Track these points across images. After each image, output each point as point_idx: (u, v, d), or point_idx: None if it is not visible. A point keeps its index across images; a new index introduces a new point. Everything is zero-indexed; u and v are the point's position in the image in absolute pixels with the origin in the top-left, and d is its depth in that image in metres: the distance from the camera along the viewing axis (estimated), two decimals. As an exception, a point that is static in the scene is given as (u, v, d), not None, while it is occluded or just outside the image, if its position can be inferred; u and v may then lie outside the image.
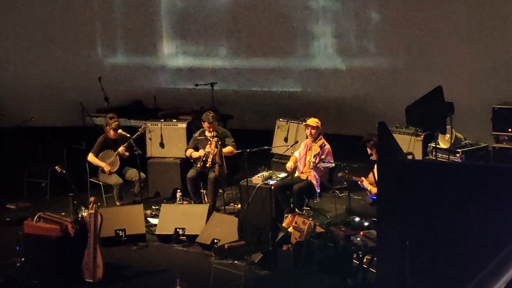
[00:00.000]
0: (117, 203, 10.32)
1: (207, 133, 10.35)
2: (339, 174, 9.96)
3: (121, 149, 10.42)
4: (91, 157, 10.45)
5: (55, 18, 14.96)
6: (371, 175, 9.79)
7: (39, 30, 15.02)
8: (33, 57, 15.13)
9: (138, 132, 10.65)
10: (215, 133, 10.27)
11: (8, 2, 15.09)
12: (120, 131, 10.53)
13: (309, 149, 9.82)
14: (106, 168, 10.39)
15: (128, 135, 10.51)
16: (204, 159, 10.26)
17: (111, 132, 10.48)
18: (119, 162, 10.48)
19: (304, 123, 10.33)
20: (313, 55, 13.96)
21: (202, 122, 10.40)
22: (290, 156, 10.41)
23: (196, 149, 10.47)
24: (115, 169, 10.46)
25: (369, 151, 9.45)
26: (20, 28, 15.11)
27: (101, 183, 10.52)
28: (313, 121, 9.93)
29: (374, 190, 9.51)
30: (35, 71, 15.16)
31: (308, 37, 13.98)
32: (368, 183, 9.72)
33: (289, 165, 9.96)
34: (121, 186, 10.40)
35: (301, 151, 9.97)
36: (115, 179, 10.40)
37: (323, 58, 13.92)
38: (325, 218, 9.81)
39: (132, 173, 10.50)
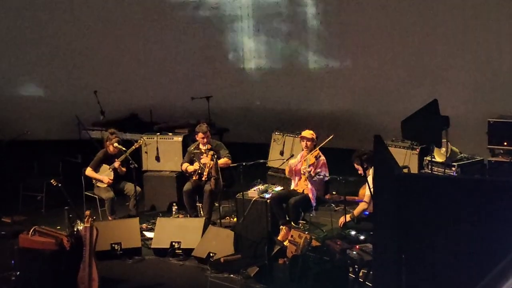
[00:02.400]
0: (109, 218, 10.30)
1: (201, 146, 10.35)
2: (326, 197, 9.97)
3: (116, 163, 10.42)
4: (89, 172, 10.48)
5: (51, 33, 14.99)
6: (361, 191, 9.77)
7: (34, 44, 15.04)
8: (29, 70, 15.14)
9: (133, 147, 10.64)
10: (209, 146, 10.27)
11: (4, 17, 15.14)
12: (116, 144, 10.53)
13: (305, 160, 9.82)
14: (105, 179, 10.40)
15: (123, 148, 10.51)
16: (199, 171, 10.26)
17: (111, 148, 10.47)
18: (116, 176, 10.48)
19: (299, 136, 10.33)
20: (309, 68, 14.02)
21: (196, 135, 10.40)
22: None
23: (191, 163, 10.47)
24: (112, 181, 10.46)
25: (356, 166, 9.41)
26: (16, 42, 15.14)
27: (97, 197, 10.52)
28: (308, 133, 9.93)
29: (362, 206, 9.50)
30: (30, 84, 15.18)
31: (304, 50, 14.03)
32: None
33: (291, 162, 9.95)
34: (113, 201, 10.38)
35: (297, 162, 9.96)
36: (106, 193, 10.39)
37: (318, 72, 13.97)
38: (321, 232, 9.81)
39: (130, 188, 10.49)
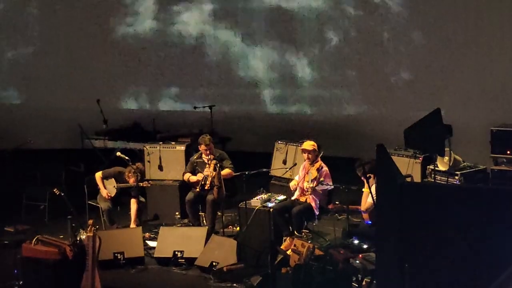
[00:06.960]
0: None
1: (204, 157, 10.34)
2: (329, 206, 9.94)
3: (137, 185, 10.45)
4: (98, 176, 10.49)
5: (54, 41, 15.03)
6: (365, 201, 9.75)
7: (37, 53, 15.08)
8: (31, 79, 15.17)
9: (141, 184, 10.54)
10: (212, 156, 10.26)
11: (5, 27, 15.20)
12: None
13: (307, 173, 9.77)
14: (104, 193, 10.41)
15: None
16: (202, 182, 10.24)
17: (132, 180, 10.44)
18: (120, 192, 10.49)
19: (300, 148, 10.27)
20: (312, 78, 14.03)
21: (199, 145, 10.40)
22: (289, 179, 10.40)
23: (194, 172, 10.46)
24: (111, 196, 10.46)
25: (359, 175, 9.39)
26: (17, 50, 15.18)
27: (100, 206, 10.52)
28: (308, 145, 9.84)
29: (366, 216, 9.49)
30: (33, 93, 15.20)
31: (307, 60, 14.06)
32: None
33: (293, 183, 9.92)
34: (110, 211, 10.38)
35: (299, 174, 9.94)
36: (104, 203, 10.39)
37: (321, 81, 13.98)
38: (324, 241, 9.78)
39: (133, 205, 10.48)
